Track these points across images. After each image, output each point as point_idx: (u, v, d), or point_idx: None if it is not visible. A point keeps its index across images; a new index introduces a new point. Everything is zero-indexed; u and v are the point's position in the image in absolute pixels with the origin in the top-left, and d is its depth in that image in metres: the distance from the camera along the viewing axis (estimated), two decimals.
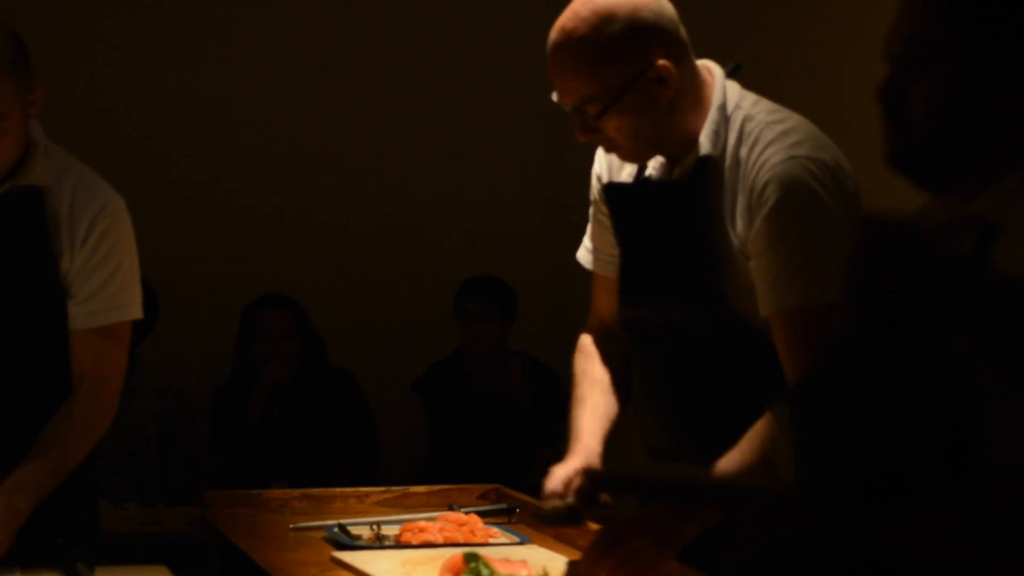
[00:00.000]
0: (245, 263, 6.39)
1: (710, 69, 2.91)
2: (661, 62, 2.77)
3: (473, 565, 2.70)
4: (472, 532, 3.10)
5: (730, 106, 2.86)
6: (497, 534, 3.13)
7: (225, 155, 6.44)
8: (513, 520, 3.33)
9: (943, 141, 1.94)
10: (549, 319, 6.20)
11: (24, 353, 3.11)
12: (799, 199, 2.73)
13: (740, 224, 2.79)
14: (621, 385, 3.08)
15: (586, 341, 3.15)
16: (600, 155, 3.06)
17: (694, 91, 2.85)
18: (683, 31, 2.83)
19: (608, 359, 3.10)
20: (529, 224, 6.56)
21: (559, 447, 3.40)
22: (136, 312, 3.18)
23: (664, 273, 2.91)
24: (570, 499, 2.85)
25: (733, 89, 2.90)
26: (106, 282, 3.12)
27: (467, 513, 3.23)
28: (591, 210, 3.11)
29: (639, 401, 3.04)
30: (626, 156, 2.90)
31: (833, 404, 1.70)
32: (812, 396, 1.77)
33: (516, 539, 3.10)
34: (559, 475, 2.89)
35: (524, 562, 2.79)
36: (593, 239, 3.13)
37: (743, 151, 2.81)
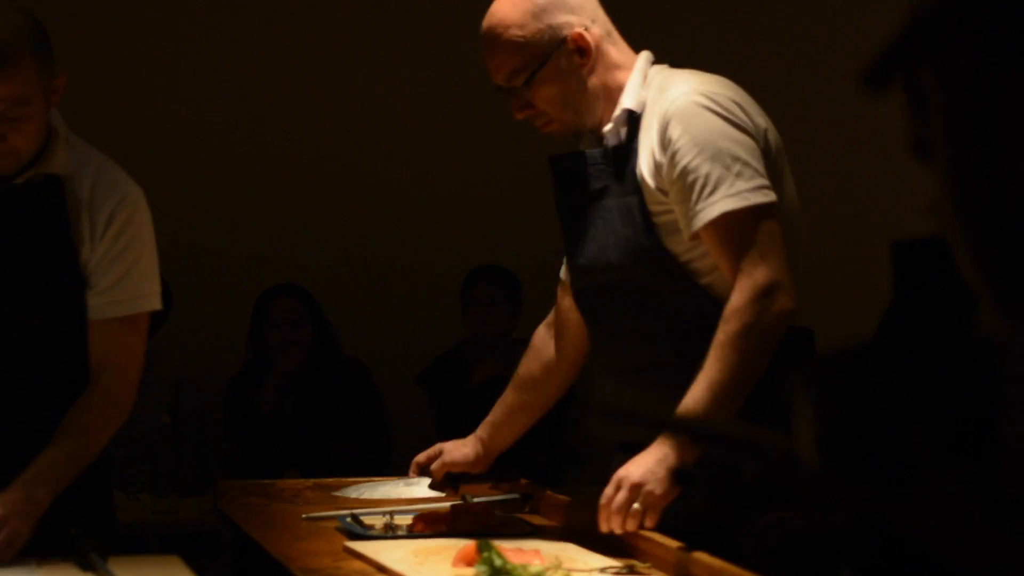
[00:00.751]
0: (258, 254, 6.40)
1: (633, 54, 3.13)
2: (577, 31, 3.05)
3: (486, 555, 2.70)
4: (485, 522, 3.10)
5: (651, 72, 3.08)
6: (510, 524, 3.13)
7: (236, 149, 6.45)
8: (526, 510, 3.33)
9: None
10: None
11: (43, 343, 3.11)
12: (699, 121, 2.92)
13: (654, 160, 2.97)
14: (554, 378, 3.37)
15: (535, 337, 3.42)
16: None
17: (617, 69, 3.09)
18: (602, 14, 3.13)
19: (546, 349, 3.38)
20: (533, 214, 6.54)
21: (565, 433, 3.49)
22: (155, 303, 3.18)
23: (599, 234, 3.07)
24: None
25: (658, 66, 3.11)
26: (126, 273, 3.12)
27: (480, 503, 3.23)
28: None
29: (595, 367, 3.21)
30: (559, 129, 3.12)
31: (854, 377, 1.71)
32: (835, 370, 1.77)
33: (529, 528, 3.10)
34: (429, 451, 3.49)
35: (537, 551, 2.79)
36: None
37: (659, 101, 3.01)
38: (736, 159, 2.90)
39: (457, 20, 6.57)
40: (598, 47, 3.07)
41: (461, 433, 5.74)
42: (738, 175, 2.89)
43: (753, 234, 2.87)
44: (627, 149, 3.02)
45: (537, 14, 3.05)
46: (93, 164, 3.13)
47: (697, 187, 2.89)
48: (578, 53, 3.06)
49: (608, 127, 3.06)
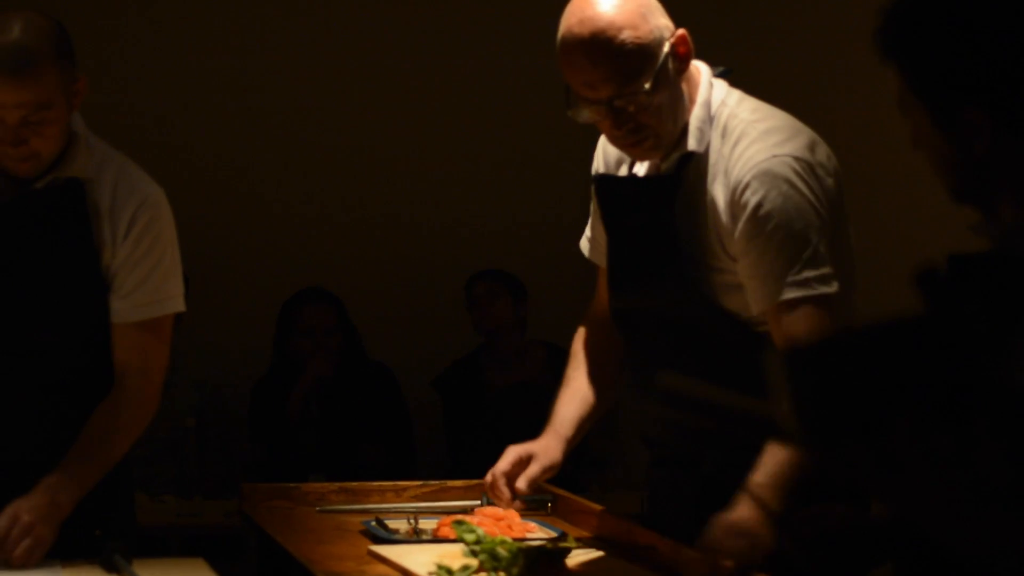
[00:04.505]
0: (281, 257, 6.41)
1: (697, 67, 2.98)
2: (681, 32, 2.89)
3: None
4: (509, 527, 3.09)
5: (715, 103, 2.94)
6: (534, 528, 3.13)
7: (257, 152, 6.46)
8: (549, 512, 3.33)
9: (962, 182, 1.94)
10: (569, 306, 6.21)
11: (66, 347, 3.11)
12: (779, 197, 2.80)
13: (723, 220, 2.86)
14: (611, 374, 3.23)
15: (584, 331, 3.30)
16: (599, 150, 3.16)
17: (692, 82, 2.94)
18: None
19: (603, 349, 3.23)
20: (550, 213, 6.55)
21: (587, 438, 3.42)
22: (179, 305, 3.17)
23: (648, 265, 2.98)
24: (521, 484, 3.17)
25: (719, 87, 2.97)
26: (148, 275, 3.11)
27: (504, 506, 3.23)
28: (592, 203, 3.20)
29: (630, 387, 3.13)
30: (652, 146, 2.93)
31: (833, 357, 1.72)
32: (813, 351, 1.79)
33: (553, 534, 3.09)
34: (514, 456, 3.18)
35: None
36: (592, 229, 3.26)
37: (726, 149, 2.88)
38: (807, 242, 2.80)
39: (483, 24, 6.58)
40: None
41: (474, 438, 5.77)
42: (807, 261, 2.80)
43: (802, 330, 2.79)
44: (680, 188, 2.91)
45: (644, 15, 2.85)
46: (114, 166, 3.12)
47: (763, 266, 2.81)
48: (678, 57, 2.89)
49: (671, 160, 2.94)
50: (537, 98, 6.37)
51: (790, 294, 2.80)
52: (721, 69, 3.01)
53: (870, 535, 2.02)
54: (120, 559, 2.90)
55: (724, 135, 2.90)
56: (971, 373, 1.65)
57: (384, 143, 6.55)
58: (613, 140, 2.97)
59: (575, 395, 3.28)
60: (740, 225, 2.83)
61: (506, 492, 3.18)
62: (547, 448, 3.22)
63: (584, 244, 3.29)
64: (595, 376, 3.28)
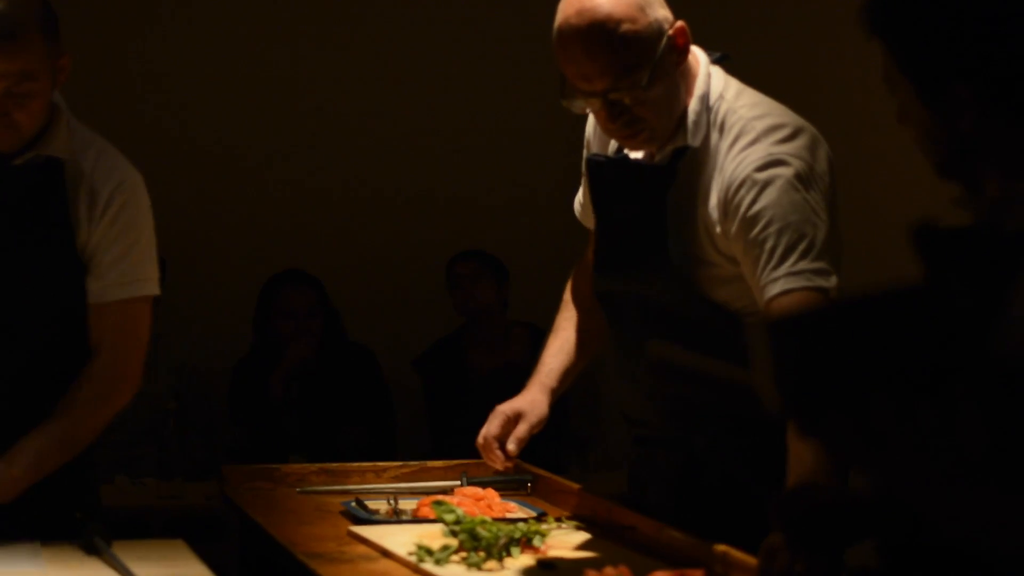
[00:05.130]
0: (260, 239, 6.40)
1: (695, 55, 2.95)
2: (680, 24, 2.85)
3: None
4: (489, 507, 3.10)
5: (713, 96, 2.90)
6: (514, 508, 3.14)
7: (237, 134, 6.45)
8: (529, 492, 3.34)
9: (946, 158, 1.95)
10: (552, 288, 6.22)
11: (41, 325, 3.10)
12: (774, 195, 2.77)
13: (714, 216, 2.83)
14: (599, 322, 3.21)
15: (575, 278, 3.31)
16: (590, 128, 3.13)
17: (690, 74, 2.91)
18: None
19: (592, 297, 3.21)
20: (531, 194, 6.55)
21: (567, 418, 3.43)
22: (153, 288, 3.17)
23: (635, 254, 2.96)
24: (511, 447, 3.19)
25: (717, 77, 2.94)
26: (123, 256, 3.11)
27: (484, 486, 3.23)
28: (584, 168, 3.18)
29: (614, 368, 3.12)
30: (654, 137, 2.91)
31: (815, 327, 1.73)
32: (796, 321, 1.80)
33: (533, 513, 3.10)
34: (503, 417, 3.20)
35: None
36: (584, 195, 3.24)
37: (723, 145, 2.85)
38: (802, 236, 2.75)
39: (469, 4, 6.57)
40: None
41: (456, 420, 5.77)
42: (803, 254, 2.75)
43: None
44: (672, 180, 2.89)
45: (643, 7, 2.80)
46: (93, 148, 3.12)
47: (761, 262, 2.77)
48: (676, 50, 2.85)
49: (665, 151, 2.91)
50: (521, 79, 6.41)
51: (786, 285, 2.75)
52: (718, 55, 2.98)
53: (854, 511, 2.03)
54: (100, 541, 2.89)
55: (722, 131, 2.87)
56: (953, 345, 1.66)
57: (364, 124, 6.55)
58: (608, 132, 2.94)
59: (563, 346, 3.31)
60: (735, 224, 2.80)
61: (500, 454, 3.21)
62: (533, 404, 3.24)
63: (576, 207, 3.29)
64: (584, 325, 3.30)
